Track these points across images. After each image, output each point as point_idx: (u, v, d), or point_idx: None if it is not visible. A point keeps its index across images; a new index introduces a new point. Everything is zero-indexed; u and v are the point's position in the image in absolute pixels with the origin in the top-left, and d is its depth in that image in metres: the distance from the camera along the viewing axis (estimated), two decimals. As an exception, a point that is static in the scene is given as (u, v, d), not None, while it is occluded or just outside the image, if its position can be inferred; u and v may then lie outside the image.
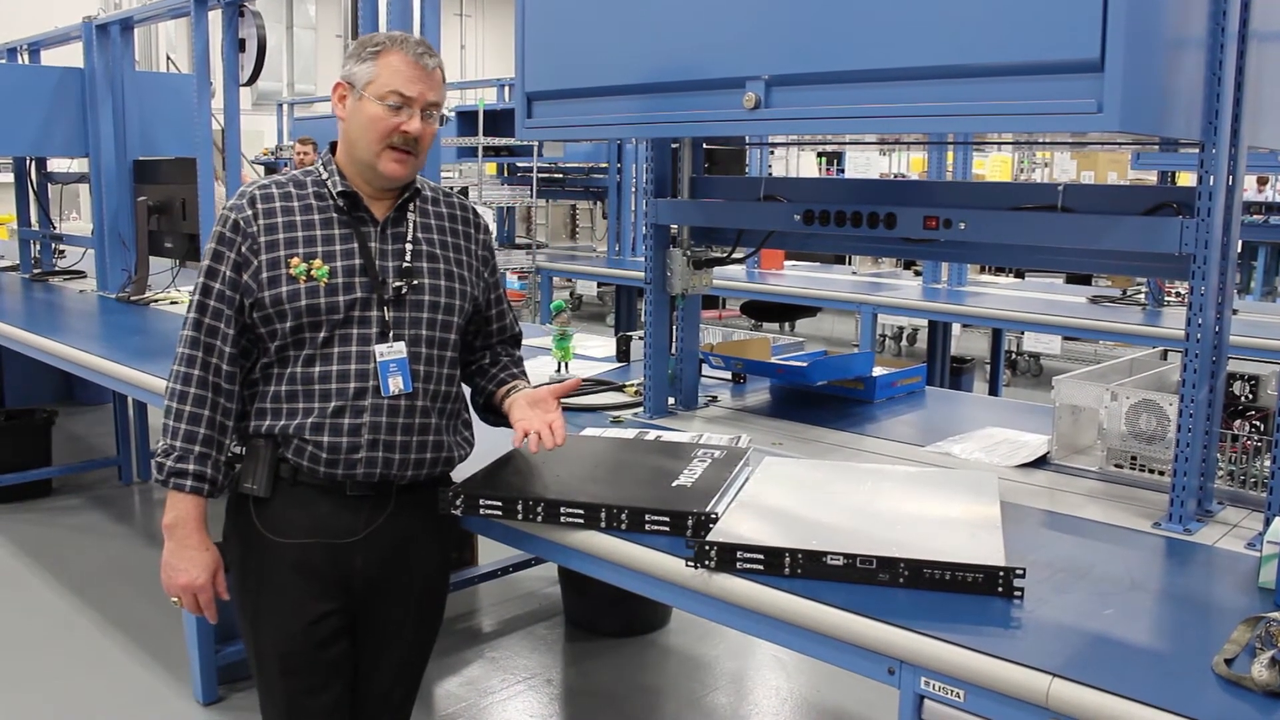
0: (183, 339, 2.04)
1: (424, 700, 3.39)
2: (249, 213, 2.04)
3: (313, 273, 2.01)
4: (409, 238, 2.11)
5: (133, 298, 5.09)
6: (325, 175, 2.10)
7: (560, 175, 9.18)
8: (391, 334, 2.04)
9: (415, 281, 2.08)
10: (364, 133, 2.04)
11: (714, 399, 3.14)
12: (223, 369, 2.03)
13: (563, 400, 3.01)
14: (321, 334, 2.02)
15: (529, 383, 2.30)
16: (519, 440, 2.11)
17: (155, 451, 2.05)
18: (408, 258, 2.09)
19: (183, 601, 2.09)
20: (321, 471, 2.03)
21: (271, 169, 10.78)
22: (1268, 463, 2.20)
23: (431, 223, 2.17)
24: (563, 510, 2.03)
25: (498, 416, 2.28)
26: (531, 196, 8.31)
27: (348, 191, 2.08)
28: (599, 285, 10.43)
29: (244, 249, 2.02)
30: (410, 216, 2.13)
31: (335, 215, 2.07)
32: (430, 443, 2.10)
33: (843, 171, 12.59)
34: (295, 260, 2.01)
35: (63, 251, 6.48)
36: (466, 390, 2.31)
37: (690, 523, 1.93)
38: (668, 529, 1.95)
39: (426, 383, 2.08)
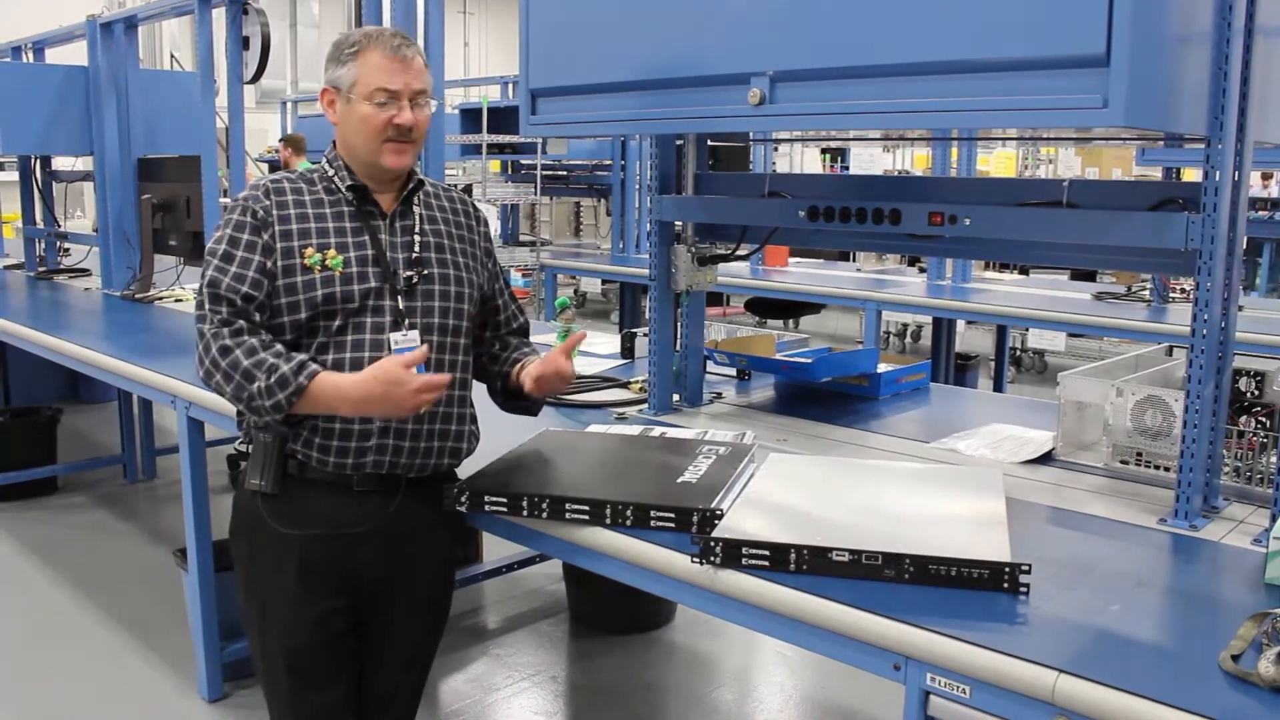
0: (206, 316, 2.00)
1: (429, 697, 3.39)
2: (266, 203, 2.05)
3: (327, 263, 2.02)
4: (416, 229, 2.13)
5: (137, 295, 5.09)
6: (332, 171, 2.11)
7: (564, 172, 9.17)
8: (406, 322, 2.05)
9: (425, 271, 2.10)
10: (359, 134, 2.06)
11: (719, 396, 3.14)
12: (258, 331, 2.00)
13: (567, 397, 3.02)
14: (335, 323, 2.03)
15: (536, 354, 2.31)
16: (532, 386, 2.19)
17: (256, 391, 1.93)
18: (417, 248, 2.11)
19: (427, 400, 1.97)
20: (331, 462, 2.03)
21: (275, 166, 10.81)
22: (1274, 459, 2.20)
23: (436, 215, 2.19)
24: (568, 506, 2.03)
25: (517, 399, 2.29)
26: (535, 194, 8.30)
27: (356, 185, 2.09)
28: (603, 282, 10.43)
29: (266, 237, 2.03)
30: (416, 209, 2.15)
31: (345, 209, 2.09)
32: (438, 431, 2.11)
33: (847, 168, 12.57)
34: (309, 251, 2.02)
35: (67, 250, 6.48)
36: (481, 385, 2.32)
37: (695, 519, 1.93)
38: (673, 525, 1.95)
39: (439, 370, 2.08)
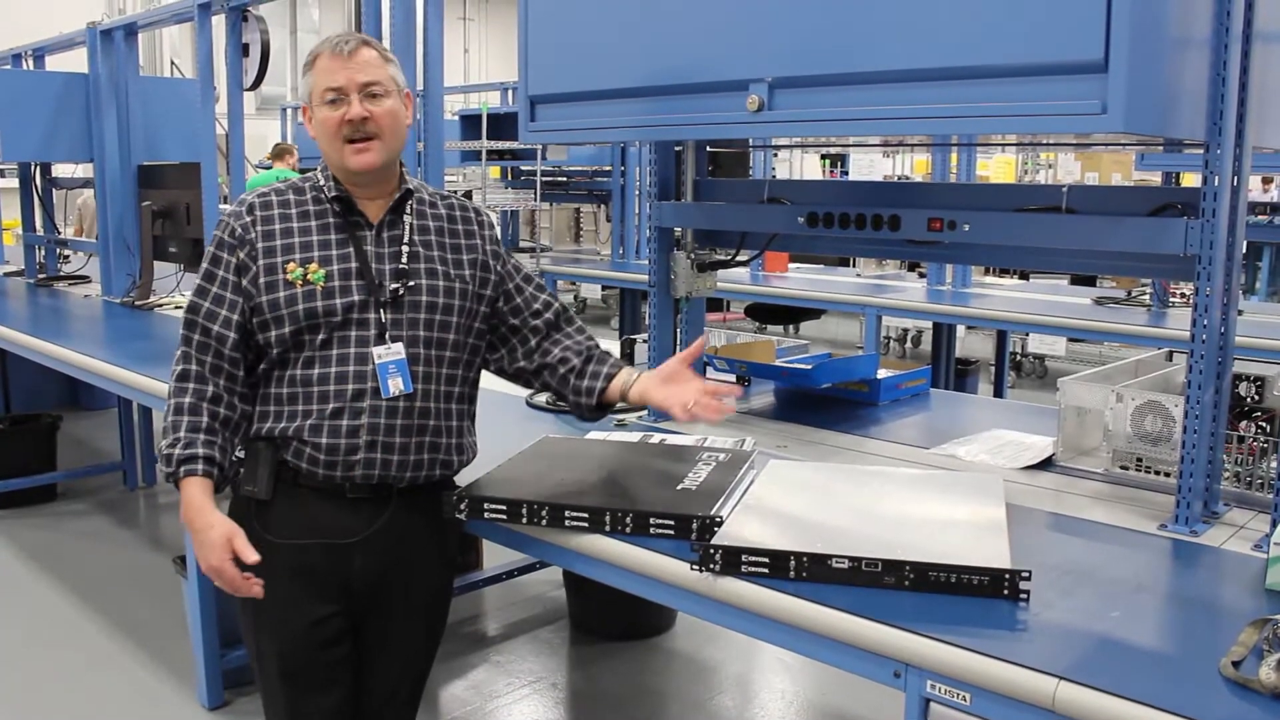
0: (180, 340, 2.07)
1: (429, 704, 3.38)
2: (247, 219, 2.06)
3: (309, 277, 2.02)
4: (405, 240, 2.11)
5: (137, 302, 5.10)
6: (322, 181, 2.11)
7: (564, 178, 9.19)
8: (389, 335, 2.04)
9: (412, 283, 2.09)
10: (322, 139, 2.07)
11: (718, 402, 3.13)
12: (223, 367, 2.04)
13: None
14: (320, 336, 2.03)
15: (628, 365, 2.26)
16: (684, 415, 2.09)
17: (159, 451, 2.05)
18: (404, 259, 2.09)
19: (220, 584, 2.01)
20: (320, 473, 2.03)
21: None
22: (1274, 464, 2.19)
23: (429, 224, 2.17)
24: (567, 514, 2.02)
25: (607, 409, 2.26)
26: (535, 200, 8.31)
27: (341, 196, 2.09)
28: (603, 288, 10.45)
29: (243, 255, 2.04)
30: (406, 219, 2.13)
31: (331, 220, 2.08)
32: (428, 444, 2.10)
33: (846, 173, 12.57)
34: (291, 265, 2.02)
35: (67, 257, 6.49)
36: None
37: (695, 526, 1.93)
38: (672, 532, 1.95)
39: (426, 384, 2.08)
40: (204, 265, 2.08)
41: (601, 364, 2.26)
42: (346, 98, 2.03)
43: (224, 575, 1.96)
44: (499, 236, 2.31)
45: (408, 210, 2.15)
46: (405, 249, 2.11)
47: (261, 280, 2.02)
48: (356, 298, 2.04)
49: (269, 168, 9.87)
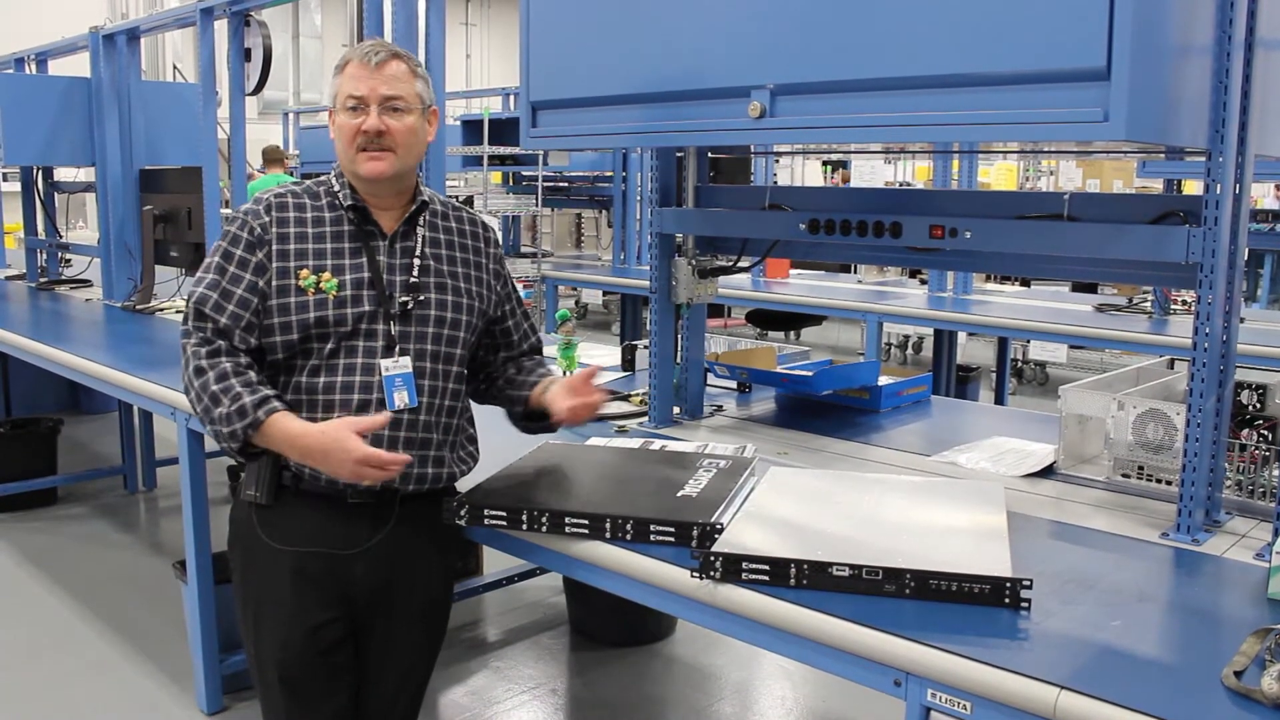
0: (190, 332, 2.02)
1: (428, 710, 3.37)
2: (266, 219, 2.05)
3: (322, 285, 2.02)
4: (417, 252, 2.11)
5: (138, 307, 5.09)
6: (337, 187, 2.11)
7: (565, 184, 9.19)
8: (398, 348, 2.04)
9: (422, 296, 2.09)
10: (339, 143, 2.08)
11: (719, 408, 3.14)
12: (238, 349, 2.01)
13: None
14: (328, 345, 2.02)
15: (554, 375, 2.30)
16: (565, 415, 2.17)
17: (214, 420, 1.95)
18: (415, 272, 2.09)
19: (372, 479, 1.96)
20: (323, 479, 2.02)
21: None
22: (1276, 472, 2.19)
23: (440, 237, 2.17)
24: (568, 520, 2.02)
25: (539, 421, 2.27)
26: (537, 205, 8.31)
27: (357, 205, 2.09)
28: (604, 294, 10.44)
29: (261, 255, 2.03)
30: (419, 230, 2.14)
31: (346, 228, 2.08)
32: (431, 458, 2.09)
33: (848, 180, 12.57)
34: (305, 272, 2.02)
35: (69, 260, 6.49)
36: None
37: (695, 533, 1.92)
38: (673, 539, 1.95)
39: (431, 397, 2.08)
40: (213, 261, 2.05)
41: (530, 374, 2.29)
42: (366, 107, 2.03)
43: (373, 461, 1.91)
44: (503, 255, 2.32)
45: (421, 222, 2.15)
46: (417, 262, 2.10)
47: (274, 283, 2.02)
48: (367, 308, 2.03)
49: (264, 173, 9.91)
